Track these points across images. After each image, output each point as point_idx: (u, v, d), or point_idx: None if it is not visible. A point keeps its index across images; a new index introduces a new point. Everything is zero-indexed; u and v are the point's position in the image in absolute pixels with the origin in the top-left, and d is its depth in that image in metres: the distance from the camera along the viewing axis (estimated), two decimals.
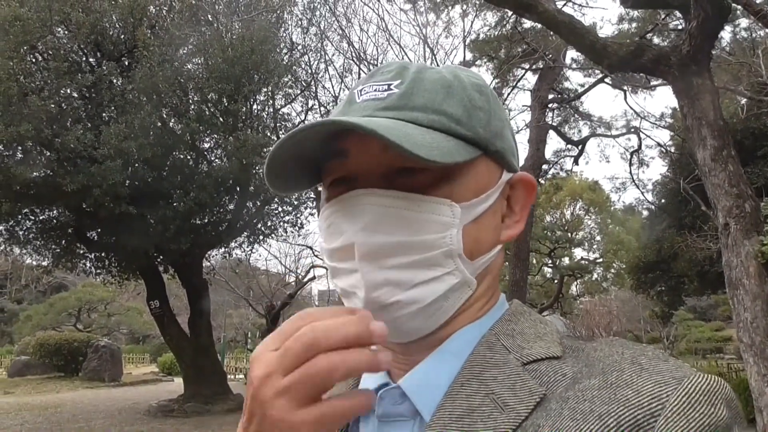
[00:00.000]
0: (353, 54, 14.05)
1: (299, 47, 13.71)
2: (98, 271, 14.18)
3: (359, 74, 15.83)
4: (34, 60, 9.37)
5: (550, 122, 17.43)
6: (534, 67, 16.23)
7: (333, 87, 16.68)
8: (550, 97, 17.26)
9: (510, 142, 0.69)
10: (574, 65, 16.56)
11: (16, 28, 8.25)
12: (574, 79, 20.28)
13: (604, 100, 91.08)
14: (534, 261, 28.49)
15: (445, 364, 0.61)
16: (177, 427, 11.94)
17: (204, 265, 16.51)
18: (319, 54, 14.43)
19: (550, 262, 27.19)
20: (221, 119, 11.72)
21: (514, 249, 16.50)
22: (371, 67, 14.89)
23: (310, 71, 14.48)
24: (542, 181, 20.00)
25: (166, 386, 20.73)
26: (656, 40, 13.73)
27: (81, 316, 27.87)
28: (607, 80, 15.37)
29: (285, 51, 13.31)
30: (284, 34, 13.18)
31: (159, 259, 14.10)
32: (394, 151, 0.55)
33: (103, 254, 13.64)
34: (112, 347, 21.61)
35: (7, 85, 8.33)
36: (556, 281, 26.49)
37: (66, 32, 9.61)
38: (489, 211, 0.64)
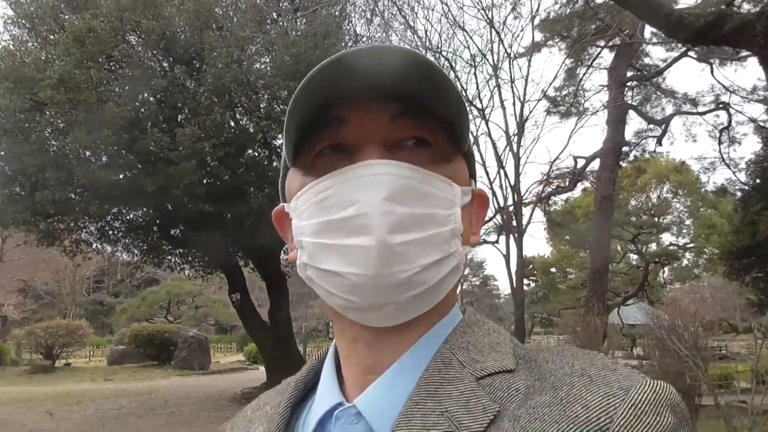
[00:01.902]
0: (418, 43, 13.92)
1: (363, 39, 13.71)
2: (182, 266, 14.85)
3: None
4: (110, 68, 9.86)
5: (629, 102, 16.60)
6: (610, 44, 15.46)
7: None
8: (629, 74, 16.42)
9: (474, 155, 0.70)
10: (654, 39, 15.62)
11: (91, 39, 8.73)
12: (655, 54, 19.10)
13: (689, 74, 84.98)
14: (618, 248, 27.39)
15: (400, 381, 0.60)
16: None
17: (282, 258, 16.95)
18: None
19: (634, 248, 25.97)
20: None
21: (594, 236, 15.88)
22: (437, 55, 14.69)
23: None
24: (623, 164, 19.11)
25: (252, 374, 21.52)
26: (747, 6, 12.69)
27: (171, 308, 29.40)
28: (691, 53, 14.40)
29: (350, 43, 13.35)
30: (348, 27, 13.23)
31: (239, 254, 14.59)
32: (402, 122, 0.59)
33: (185, 250, 14.26)
34: (200, 337, 22.65)
35: (87, 94, 8.83)
36: (641, 269, 25.30)
37: (138, 40, 10.06)
38: (466, 207, 0.64)
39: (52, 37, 9.85)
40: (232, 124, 11.53)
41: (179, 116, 10.49)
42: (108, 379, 18.71)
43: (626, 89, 16.18)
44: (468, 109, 0.65)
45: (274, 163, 13.18)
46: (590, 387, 0.52)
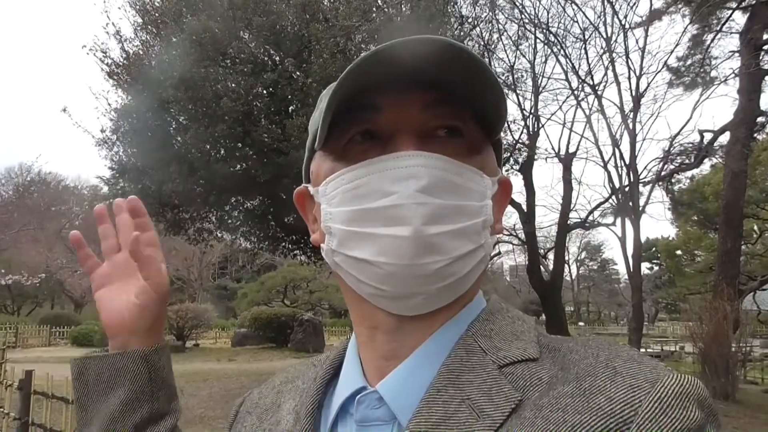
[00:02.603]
0: (525, 20, 13.44)
1: (469, 20, 13.45)
2: (294, 252, 15.44)
3: (535, 41, 15.09)
4: (224, 65, 10.40)
5: (766, 67, 15.03)
6: (743, 4, 14.05)
7: (508, 56, 16.07)
8: (766, 37, 14.83)
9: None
10: None
11: (207, 39, 9.29)
12: None
13: None
14: (755, 227, 25.20)
15: (422, 367, 0.60)
16: None
17: None
18: (490, 24, 14.03)
19: None
20: None
21: (723, 215, 14.68)
22: (546, 32, 14.10)
23: (482, 43, 14.13)
24: (759, 137, 17.43)
25: None
26: None
27: (287, 292, 30.74)
28: None
29: (455, 26, 13.12)
30: (453, 9, 13.00)
31: None
32: (435, 111, 0.60)
33: (297, 237, 14.81)
34: (314, 321, 23.47)
35: (204, 90, 9.42)
36: None
37: (250, 36, 10.52)
38: (494, 196, 0.64)
39: (174, 39, 10.54)
40: None
41: (289, 107, 10.87)
42: (232, 359, 19.87)
43: (762, 53, 14.67)
44: (506, 98, 0.62)
45: None
46: (615, 379, 0.52)
